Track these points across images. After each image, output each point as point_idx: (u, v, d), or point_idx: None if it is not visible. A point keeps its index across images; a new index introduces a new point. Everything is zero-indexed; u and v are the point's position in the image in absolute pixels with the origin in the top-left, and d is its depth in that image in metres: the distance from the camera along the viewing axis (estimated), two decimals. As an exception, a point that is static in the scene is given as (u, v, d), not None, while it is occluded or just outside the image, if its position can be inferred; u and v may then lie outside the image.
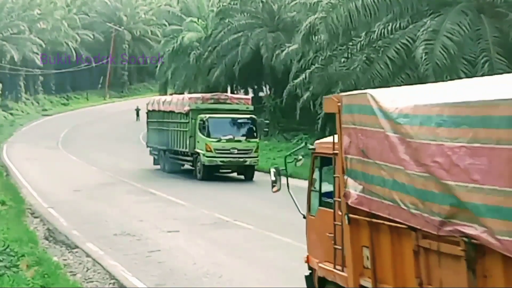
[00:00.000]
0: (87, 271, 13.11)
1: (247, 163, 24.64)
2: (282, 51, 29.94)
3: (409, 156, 5.45)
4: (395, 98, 5.89)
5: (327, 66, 23.57)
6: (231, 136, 24.54)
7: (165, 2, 61.98)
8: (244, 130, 25.35)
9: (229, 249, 14.14)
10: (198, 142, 25.33)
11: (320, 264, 7.68)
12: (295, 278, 11.61)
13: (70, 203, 21.13)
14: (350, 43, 22.26)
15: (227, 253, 13.76)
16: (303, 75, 25.21)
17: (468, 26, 19.07)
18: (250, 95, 38.95)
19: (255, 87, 42.25)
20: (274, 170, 8.18)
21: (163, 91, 46.93)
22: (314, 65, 24.37)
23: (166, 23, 53.62)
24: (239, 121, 25.31)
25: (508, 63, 18.74)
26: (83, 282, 12.23)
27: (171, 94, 36.30)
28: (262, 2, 35.14)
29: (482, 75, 18.93)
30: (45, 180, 26.60)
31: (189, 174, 25.98)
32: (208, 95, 26.98)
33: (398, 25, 20.98)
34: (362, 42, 21.84)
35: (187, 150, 25.77)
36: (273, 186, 8.02)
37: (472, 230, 4.82)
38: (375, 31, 21.41)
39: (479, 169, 4.72)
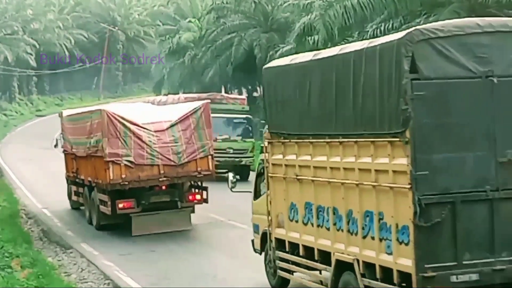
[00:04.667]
0: (81, 271, 13.15)
1: (243, 163, 24.66)
2: (276, 51, 29.93)
3: (71, 131, 19.05)
4: (68, 112, 20.38)
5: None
6: (226, 136, 24.55)
7: (159, 2, 61.87)
8: (239, 130, 25.36)
9: (223, 249, 14.20)
10: (193, 142, 25.38)
11: (67, 174, 20.06)
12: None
13: (64, 204, 21.15)
14: (343, 42, 22.36)
15: (222, 253, 13.82)
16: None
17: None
18: (244, 95, 38.96)
19: (249, 87, 42.25)
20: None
21: (158, 91, 46.91)
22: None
23: (160, 24, 53.59)
24: (234, 121, 25.31)
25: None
26: (78, 282, 12.26)
27: (165, 95, 36.30)
28: (255, 2, 35.14)
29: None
30: (40, 181, 26.58)
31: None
32: (204, 95, 26.98)
33: (391, 25, 21.10)
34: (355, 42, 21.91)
35: None
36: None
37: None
38: (368, 31, 21.52)
39: (76, 132, 18.49)
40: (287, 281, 10.55)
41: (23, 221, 18.86)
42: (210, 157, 16.01)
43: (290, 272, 10.09)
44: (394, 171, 7.59)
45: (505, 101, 7.61)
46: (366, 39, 21.52)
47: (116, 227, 16.32)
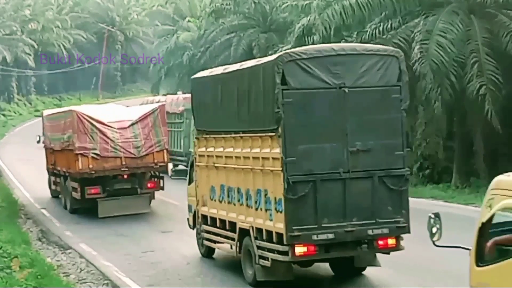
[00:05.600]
0: (80, 271, 13.14)
1: None
2: (275, 51, 29.92)
3: (49, 128, 21.81)
4: (48, 112, 23.34)
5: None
6: None
7: (158, 3, 61.82)
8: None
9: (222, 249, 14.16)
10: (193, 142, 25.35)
11: (47, 166, 22.47)
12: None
13: (63, 204, 21.15)
14: (342, 42, 22.35)
15: (220, 253, 13.81)
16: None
17: (459, 26, 19.19)
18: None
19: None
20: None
21: (155, 92, 46.86)
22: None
23: (159, 24, 53.55)
24: None
25: (497, 64, 18.87)
26: (77, 283, 12.26)
27: (164, 95, 36.27)
28: (254, 2, 35.11)
29: (471, 76, 19.02)
30: (38, 181, 26.52)
31: (182, 174, 25.95)
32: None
33: (389, 26, 21.09)
34: (354, 42, 21.91)
35: (181, 150, 25.76)
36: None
37: None
38: (367, 31, 21.51)
39: (53, 129, 21.23)
40: (212, 249, 13.03)
41: (21, 222, 18.85)
42: (165, 150, 18.74)
43: (213, 241, 12.53)
44: (273, 158, 10.09)
45: (354, 106, 10.04)
46: (365, 39, 21.67)
47: (86, 210, 18.82)
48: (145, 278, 12.23)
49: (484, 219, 6.17)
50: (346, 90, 9.93)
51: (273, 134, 10.01)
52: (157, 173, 19.01)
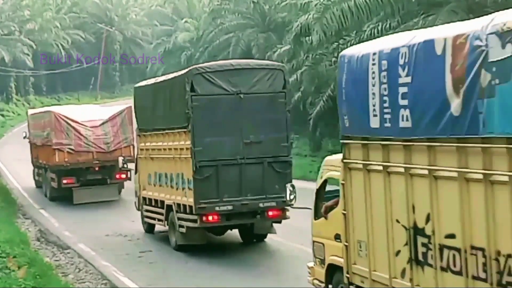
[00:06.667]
0: (79, 271, 13.14)
1: None
2: (274, 52, 29.96)
3: (32, 126, 24.82)
4: (32, 111, 26.54)
5: (317, 65, 23.62)
6: None
7: (157, 3, 61.76)
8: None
9: (221, 249, 14.20)
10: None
11: (32, 159, 25.42)
12: (287, 278, 11.69)
13: (62, 204, 21.15)
14: (341, 42, 22.36)
15: (219, 253, 13.82)
16: (294, 76, 25.26)
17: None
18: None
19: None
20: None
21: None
22: (305, 65, 24.41)
23: (157, 24, 53.53)
24: None
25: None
26: (75, 282, 12.25)
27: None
28: (253, 2, 35.10)
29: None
30: (37, 181, 26.50)
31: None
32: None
33: (388, 25, 21.06)
34: (352, 42, 21.91)
35: None
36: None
37: None
38: (365, 30, 21.49)
39: (35, 127, 24.40)
40: (152, 226, 15.85)
41: (20, 222, 18.84)
42: (131, 146, 21.25)
43: (151, 218, 15.31)
44: (186, 148, 13.08)
45: (248, 108, 12.96)
46: (363, 39, 21.64)
47: (63, 198, 21.34)
48: (144, 278, 12.22)
49: (317, 186, 9.03)
50: (242, 96, 12.91)
51: (186, 130, 12.97)
52: (125, 166, 21.05)
